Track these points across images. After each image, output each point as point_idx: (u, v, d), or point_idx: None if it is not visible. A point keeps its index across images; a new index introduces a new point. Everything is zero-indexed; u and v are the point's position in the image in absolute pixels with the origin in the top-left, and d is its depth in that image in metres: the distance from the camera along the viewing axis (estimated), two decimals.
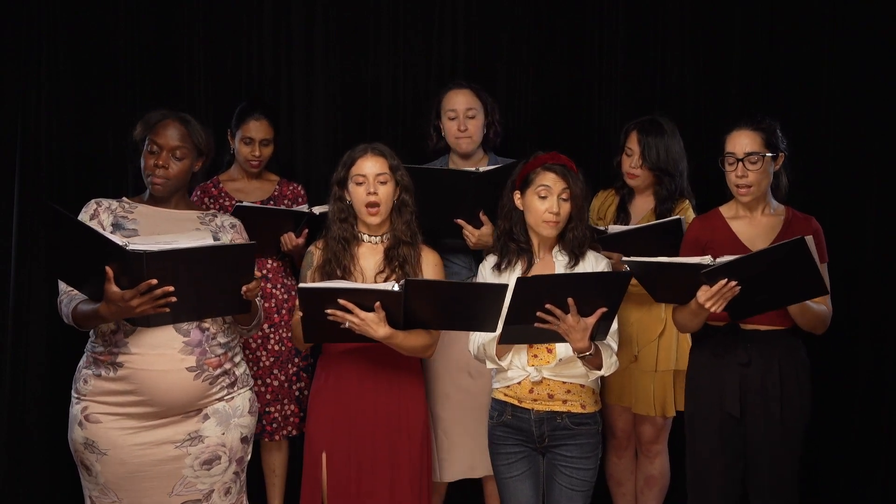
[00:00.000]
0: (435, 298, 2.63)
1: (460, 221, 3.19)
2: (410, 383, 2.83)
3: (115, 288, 2.35)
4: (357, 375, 2.78)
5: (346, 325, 2.55)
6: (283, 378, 3.48)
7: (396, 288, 2.54)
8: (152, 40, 3.92)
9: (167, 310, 2.40)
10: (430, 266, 2.86)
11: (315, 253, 2.86)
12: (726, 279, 2.56)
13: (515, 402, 2.78)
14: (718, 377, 2.83)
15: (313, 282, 2.75)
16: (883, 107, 3.79)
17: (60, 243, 2.40)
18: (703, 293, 2.60)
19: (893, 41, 3.77)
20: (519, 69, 4.01)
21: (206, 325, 2.58)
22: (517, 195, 2.81)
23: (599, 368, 2.70)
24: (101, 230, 2.46)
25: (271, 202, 3.52)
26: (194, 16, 3.95)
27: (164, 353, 2.52)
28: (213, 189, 3.52)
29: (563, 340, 2.63)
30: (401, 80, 4.00)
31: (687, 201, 3.33)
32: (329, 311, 2.53)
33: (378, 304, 2.54)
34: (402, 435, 2.79)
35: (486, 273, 2.86)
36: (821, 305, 2.76)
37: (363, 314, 2.54)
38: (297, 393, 3.50)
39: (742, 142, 2.79)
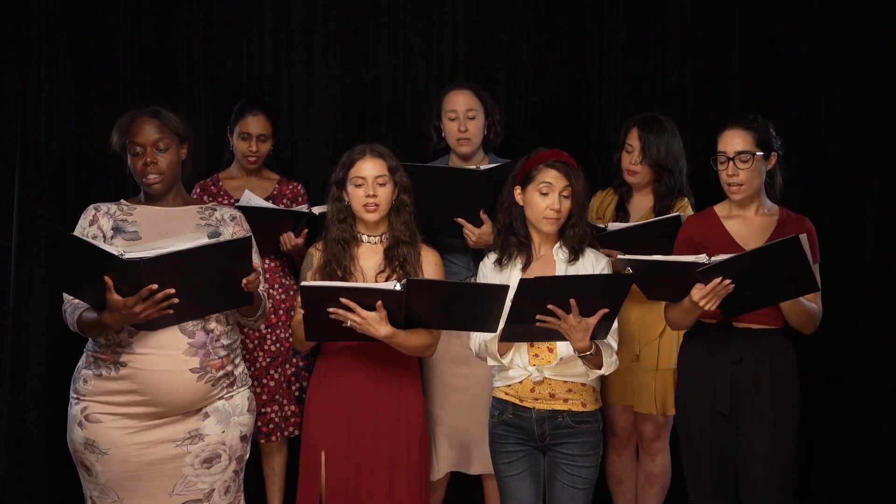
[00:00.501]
0: (436, 298, 2.63)
1: (461, 220, 3.20)
2: (409, 381, 2.84)
3: (116, 296, 2.36)
4: (355, 374, 2.79)
5: (348, 323, 2.55)
6: (280, 378, 3.47)
7: (398, 287, 2.55)
8: (152, 40, 3.93)
9: (171, 312, 2.41)
10: (430, 265, 2.86)
11: (315, 254, 2.86)
12: (721, 277, 2.57)
13: (517, 401, 2.78)
14: (710, 374, 2.84)
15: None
16: (883, 107, 3.79)
17: (59, 256, 2.42)
18: (698, 291, 2.61)
19: (893, 41, 3.77)
20: (519, 69, 4.01)
21: (210, 326, 2.59)
22: (518, 190, 2.82)
23: (600, 367, 2.71)
24: (98, 238, 2.48)
25: (270, 201, 3.52)
26: (194, 16, 3.95)
27: (169, 354, 2.53)
28: (212, 187, 3.52)
29: (563, 339, 2.63)
30: (401, 80, 4.00)
31: (686, 199, 3.33)
32: (331, 309, 2.53)
33: (380, 303, 2.54)
34: (401, 433, 2.79)
35: (488, 270, 2.86)
36: (812, 303, 2.78)
37: (365, 313, 2.55)
38: (297, 393, 3.50)
39: (733, 141, 2.81)
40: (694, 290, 2.63)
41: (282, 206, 3.48)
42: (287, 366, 3.49)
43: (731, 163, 2.80)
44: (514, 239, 2.83)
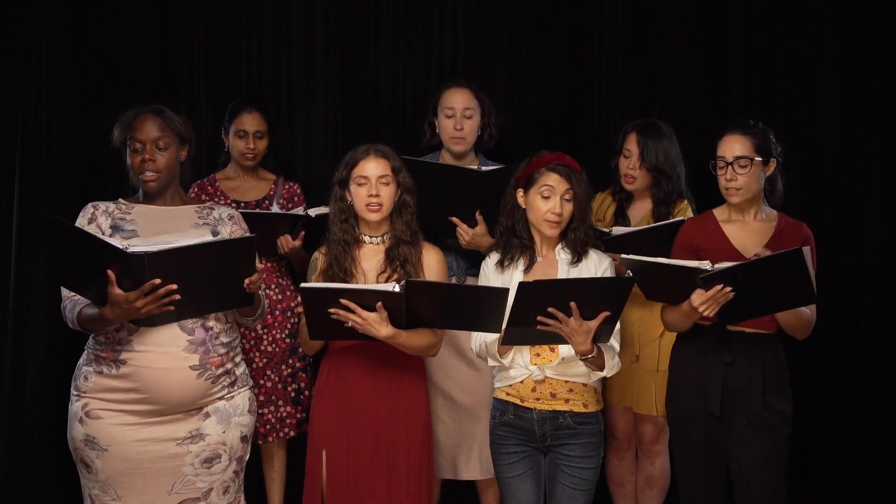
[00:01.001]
0: (436, 300, 2.63)
1: (455, 220, 3.19)
2: (412, 382, 2.83)
3: (118, 290, 2.36)
4: (357, 373, 2.79)
5: (350, 324, 2.55)
6: (276, 379, 3.47)
7: (397, 289, 2.55)
8: (152, 40, 3.92)
9: (172, 308, 2.41)
10: (432, 264, 2.86)
11: (319, 258, 2.86)
12: (722, 285, 2.58)
13: (518, 402, 2.78)
14: (702, 376, 2.85)
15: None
16: (883, 107, 3.79)
17: (60, 250, 2.41)
18: (698, 297, 2.62)
19: (893, 41, 3.77)
20: (519, 69, 4.01)
21: (210, 324, 2.59)
22: (520, 193, 2.82)
23: (602, 369, 2.71)
24: (99, 234, 2.47)
25: (267, 201, 3.52)
26: (194, 16, 3.95)
27: (168, 351, 2.53)
28: (209, 187, 3.52)
29: (565, 342, 2.63)
30: (401, 80, 4.00)
31: (686, 202, 3.34)
32: (332, 310, 2.53)
33: (380, 304, 2.55)
34: (401, 433, 2.79)
35: (489, 271, 2.86)
36: (806, 310, 2.79)
37: (365, 314, 2.55)
38: (293, 394, 3.49)
39: (732, 146, 2.82)
40: (694, 296, 2.63)
41: (278, 210, 3.47)
42: (283, 367, 3.48)
43: (729, 167, 2.81)
44: (516, 241, 2.83)
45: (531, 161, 2.82)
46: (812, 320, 2.82)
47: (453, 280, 3.29)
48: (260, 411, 3.41)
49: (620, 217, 3.40)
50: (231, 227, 2.72)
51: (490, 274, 2.85)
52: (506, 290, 2.56)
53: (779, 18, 3.93)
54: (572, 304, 2.54)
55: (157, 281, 2.35)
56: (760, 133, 2.84)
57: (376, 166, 2.79)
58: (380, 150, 2.84)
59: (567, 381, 2.75)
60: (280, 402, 3.47)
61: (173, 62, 3.95)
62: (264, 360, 3.46)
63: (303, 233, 3.31)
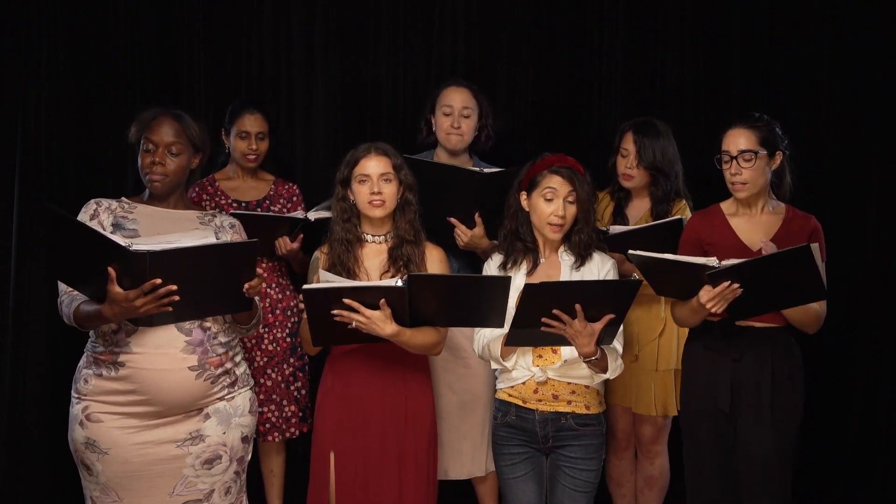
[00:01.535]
0: (439, 293, 2.62)
1: (453, 220, 3.19)
2: (417, 381, 2.83)
3: (118, 288, 2.35)
4: (363, 374, 2.78)
5: (353, 324, 2.54)
6: (277, 378, 3.47)
7: (400, 283, 2.54)
8: (152, 40, 3.92)
9: (170, 309, 2.40)
10: (435, 262, 2.86)
11: (321, 258, 2.85)
12: (729, 281, 2.57)
13: (520, 403, 2.78)
14: (711, 372, 2.85)
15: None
16: (883, 107, 3.79)
17: (61, 244, 2.40)
18: (706, 293, 2.62)
19: (893, 41, 3.77)
20: (519, 69, 4.01)
21: (207, 324, 2.59)
22: (523, 196, 2.82)
23: (605, 371, 2.71)
24: (102, 231, 2.46)
25: (267, 202, 3.52)
26: (194, 16, 3.95)
27: (167, 353, 2.53)
28: (209, 187, 3.52)
29: (569, 344, 2.63)
30: (401, 80, 4.00)
31: (684, 201, 3.34)
32: (335, 311, 2.52)
33: (383, 301, 2.54)
34: (408, 433, 2.79)
35: (492, 272, 2.86)
36: (811, 305, 2.78)
37: (369, 312, 2.54)
38: (295, 393, 3.50)
39: (737, 140, 2.82)
40: (702, 292, 2.63)
41: (274, 212, 3.47)
42: (285, 366, 3.48)
43: (734, 161, 2.81)
44: (519, 244, 2.83)
45: (534, 163, 2.82)
46: (821, 314, 2.81)
47: None
48: (260, 410, 3.41)
49: (618, 216, 3.40)
50: (232, 235, 2.72)
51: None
52: (508, 279, 2.56)
53: (779, 18, 3.93)
54: (577, 306, 2.53)
55: (158, 280, 2.34)
56: (765, 126, 2.84)
57: (377, 164, 2.79)
58: (381, 147, 2.84)
59: (569, 383, 2.75)
60: (283, 402, 3.48)
61: (173, 62, 3.94)
62: (265, 359, 3.46)
63: (301, 235, 3.31)
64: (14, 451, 3.78)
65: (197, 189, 3.49)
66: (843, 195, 3.83)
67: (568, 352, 2.71)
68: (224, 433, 2.62)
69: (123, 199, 2.70)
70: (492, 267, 2.87)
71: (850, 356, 3.85)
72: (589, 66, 4.01)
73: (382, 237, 2.85)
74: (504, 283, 2.56)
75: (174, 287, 2.36)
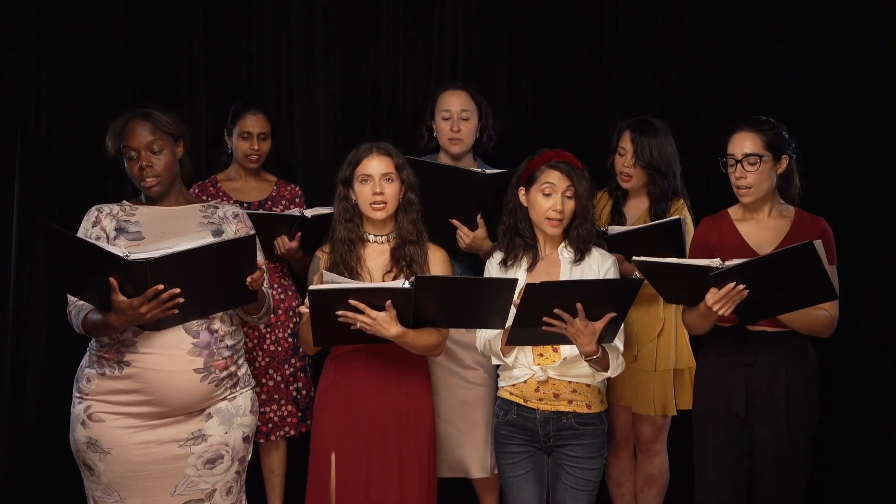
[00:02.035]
0: (445, 295, 2.62)
1: (455, 222, 3.18)
2: (417, 381, 2.83)
3: (121, 297, 2.35)
4: (363, 375, 2.78)
5: (358, 325, 2.54)
6: (279, 378, 3.47)
7: (407, 285, 2.54)
8: (152, 40, 3.92)
9: (176, 312, 2.40)
10: (437, 263, 2.86)
11: (322, 257, 2.85)
12: (734, 283, 2.56)
13: (521, 402, 2.78)
14: (724, 378, 2.84)
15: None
16: (883, 107, 3.79)
17: (59, 257, 2.41)
18: (712, 296, 2.61)
19: (893, 41, 3.77)
20: (519, 69, 4.01)
21: (214, 326, 2.59)
22: (522, 192, 2.82)
23: (606, 370, 2.71)
24: (101, 239, 2.47)
25: (269, 202, 3.52)
26: (194, 16, 3.95)
27: (173, 354, 2.53)
28: (211, 188, 3.52)
29: (570, 343, 2.63)
30: (401, 80, 4.00)
31: (682, 201, 3.33)
32: (340, 312, 2.52)
33: (389, 302, 2.54)
34: (410, 433, 2.79)
35: (493, 270, 2.87)
36: (819, 310, 2.75)
37: (374, 313, 2.54)
38: (294, 393, 3.50)
39: (742, 143, 2.80)
40: (708, 295, 2.62)
41: (274, 211, 3.47)
42: (286, 366, 3.49)
43: (739, 165, 2.79)
44: (519, 240, 2.83)
45: (532, 159, 2.82)
46: (831, 319, 2.78)
47: None
48: (262, 410, 3.42)
49: (617, 215, 3.40)
50: (236, 225, 2.72)
51: (494, 273, 2.86)
52: (515, 281, 2.56)
53: (779, 18, 3.93)
54: (578, 305, 2.53)
55: (160, 287, 2.35)
56: (771, 130, 2.82)
57: (379, 164, 2.79)
58: (382, 147, 2.83)
59: (570, 382, 2.76)
60: (283, 402, 3.48)
61: (173, 62, 3.94)
62: (267, 360, 3.46)
63: (299, 234, 3.31)
64: (14, 451, 3.78)
65: (198, 190, 3.49)
66: (843, 195, 3.83)
67: (568, 350, 2.71)
68: (226, 433, 2.62)
69: (125, 202, 2.70)
70: (493, 264, 2.87)
71: (852, 355, 3.85)
72: (589, 66, 4.00)
73: (385, 237, 2.85)
74: (510, 285, 2.56)
75: (177, 291, 2.36)
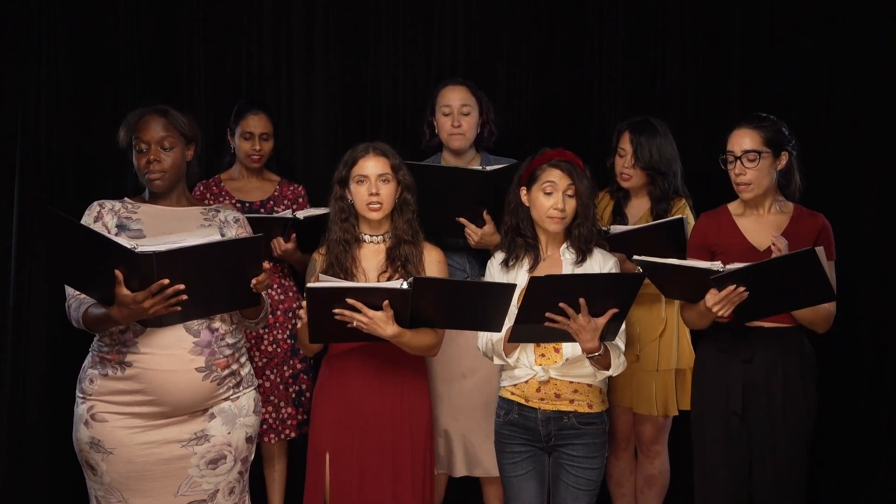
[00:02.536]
0: (442, 297, 2.62)
1: (463, 220, 3.19)
2: (414, 382, 2.84)
3: (125, 291, 2.34)
4: (361, 375, 2.78)
5: (354, 324, 2.54)
6: (276, 380, 3.47)
7: (405, 286, 2.54)
8: (152, 40, 3.93)
9: (179, 308, 2.40)
10: (433, 263, 2.86)
11: (318, 259, 2.86)
12: (734, 285, 2.57)
13: (522, 401, 2.78)
14: (722, 374, 2.84)
15: None
16: (883, 107, 3.79)
17: (63, 247, 2.38)
18: (712, 297, 2.62)
19: (893, 41, 3.77)
20: (519, 69, 4.01)
21: (215, 325, 2.58)
22: (523, 191, 2.82)
23: (608, 368, 2.71)
24: (106, 233, 2.45)
25: (271, 202, 3.52)
26: (194, 16, 3.95)
27: (174, 354, 2.52)
28: (214, 188, 3.53)
29: (572, 340, 2.63)
30: (401, 80, 4.00)
31: (683, 200, 3.34)
32: (337, 311, 2.52)
33: (386, 302, 2.54)
34: (405, 432, 2.79)
35: (495, 270, 2.86)
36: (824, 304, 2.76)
37: (371, 313, 2.54)
38: (293, 395, 3.49)
39: (741, 140, 2.81)
40: (708, 296, 2.63)
41: (277, 210, 3.47)
42: (285, 367, 3.48)
43: (738, 162, 2.81)
44: (520, 240, 2.83)
45: (533, 158, 2.83)
46: (831, 312, 2.80)
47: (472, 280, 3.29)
48: None
49: (618, 215, 3.41)
50: (236, 229, 2.72)
51: (495, 273, 2.86)
52: (513, 286, 2.57)
53: (779, 18, 3.93)
54: (581, 300, 2.53)
55: (166, 281, 2.33)
56: (771, 126, 2.83)
57: (375, 164, 2.79)
58: (379, 148, 2.83)
59: (571, 382, 2.76)
60: (281, 404, 3.47)
61: (173, 62, 3.95)
62: (264, 360, 3.46)
63: (294, 234, 3.31)
64: (14, 451, 3.79)
65: (201, 188, 3.49)
66: (844, 194, 3.83)
67: (570, 350, 2.71)
68: (229, 433, 2.62)
69: (126, 199, 2.69)
70: (494, 265, 2.88)
71: (852, 354, 3.85)
72: (589, 66, 4.00)
73: (381, 237, 2.85)
74: (508, 290, 2.56)
75: (182, 287, 2.35)
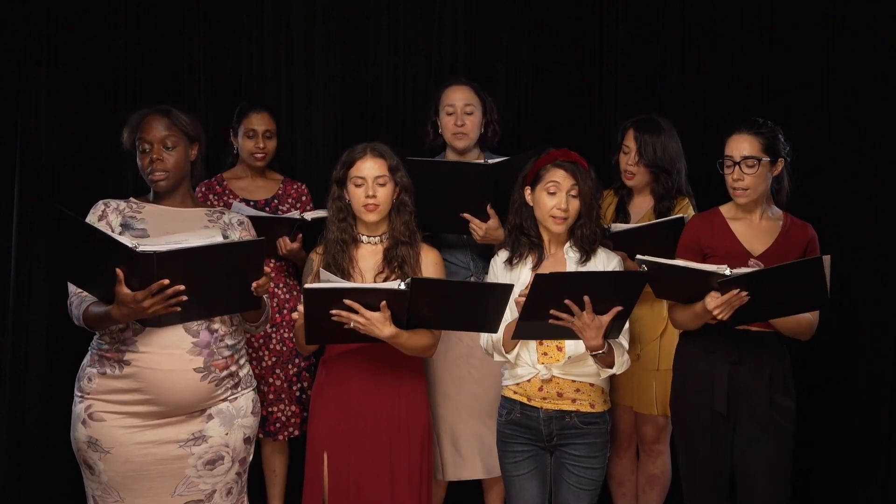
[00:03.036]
0: (440, 297, 2.62)
1: (467, 215, 3.18)
2: (412, 383, 2.84)
3: (126, 290, 2.34)
4: (359, 375, 2.79)
5: (352, 325, 2.54)
6: (283, 378, 3.48)
7: (402, 286, 2.54)
8: (152, 40, 3.93)
9: (178, 309, 2.40)
10: (430, 264, 2.86)
11: (315, 259, 2.86)
12: (738, 289, 2.58)
13: (525, 401, 2.79)
14: (708, 374, 2.85)
15: None
16: (883, 107, 3.79)
17: (64, 245, 2.38)
18: (713, 300, 2.63)
19: (893, 41, 3.77)
20: (519, 69, 4.01)
21: (214, 326, 2.59)
22: (527, 191, 2.82)
23: (611, 367, 2.71)
24: (109, 231, 2.46)
25: (275, 201, 3.53)
26: (194, 16, 3.95)
27: (173, 353, 2.52)
28: (217, 187, 3.53)
29: (576, 337, 2.64)
30: (401, 80, 4.00)
31: (687, 199, 3.34)
32: (334, 311, 2.52)
33: (384, 303, 2.54)
34: (402, 432, 2.79)
35: (498, 268, 2.87)
36: (807, 315, 2.79)
37: (369, 314, 2.54)
38: (297, 393, 3.50)
39: (740, 146, 2.82)
40: (709, 299, 2.64)
41: (282, 212, 3.48)
42: (290, 366, 3.49)
43: (737, 167, 2.81)
44: (524, 239, 2.83)
45: (538, 158, 2.83)
46: (814, 323, 2.82)
47: (472, 279, 3.29)
48: (270, 409, 3.43)
49: (620, 212, 3.41)
50: (240, 232, 2.72)
51: (499, 272, 2.86)
52: (510, 287, 2.57)
53: (779, 18, 3.93)
54: (585, 297, 2.54)
55: (166, 281, 2.33)
56: (769, 132, 2.84)
57: (373, 166, 2.79)
58: (377, 149, 2.83)
59: (574, 381, 2.76)
60: (287, 401, 3.48)
61: (173, 62, 3.95)
62: (273, 359, 3.47)
63: (300, 235, 3.31)
64: (14, 451, 3.79)
65: (204, 188, 3.49)
66: (844, 195, 3.83)
67: (572, 349, 2.71)
68: (226, 434, 2.62)
69: (132, 199, 2.69)
70: (498, 263, 2.88)
71: (852, 355, 3.85)
72: (589, 66, 4.01)
73: (378, 238, 2.85)
74: (505, 291, 2.56)
75: (182, 287, 2.35)
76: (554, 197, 2.75)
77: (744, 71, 3.95)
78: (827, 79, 3.89)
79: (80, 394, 2.59)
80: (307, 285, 2.54)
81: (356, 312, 2.53)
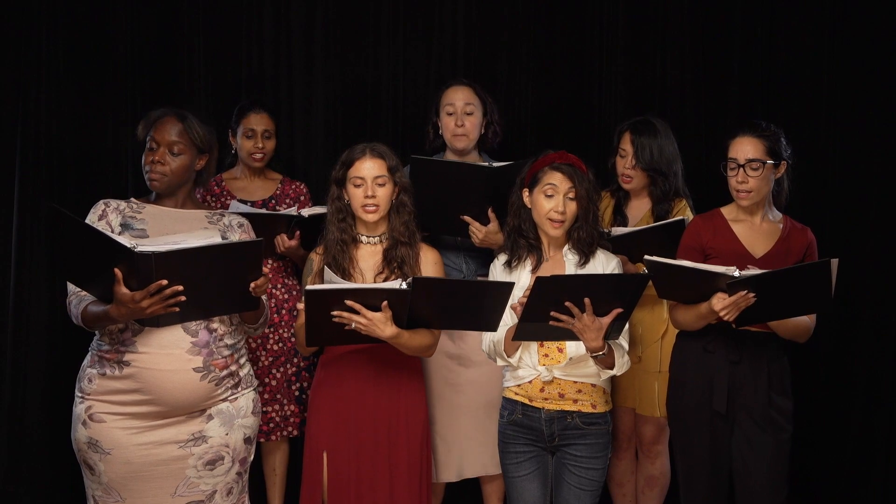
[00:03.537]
0: (441, 297, 2.62)
1: (467, 218, 3.18)
2: (411, 383, 2.84)
3: (124, 289, 2.35)
4: (358, 375, 2.79)
5: (353, 325, 2.54)
6: (281, 378, 3.48)
7: (404, 286, 2.54)
8: (152, 40, 3.93)
9: (177, 309, 2.40)
10: (429, 264, 2.86)
11: (315, 259, 2.86)
12: (746, 290, 2.58)
13: (526, 401, 2.79)
14: (707, 373, 2.86)
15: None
16: (883, 107, 3.79)
17: (66, 245, 2.40)
18: (720, 301, 2.63)
19: (893, 41, 3.77)
20: (519, 69, 4.01)
21: (213, 325, 2.59)
22: (525, 193, 2.82)
23: (612, 368, 2.72)
24: (108, 231, 2.46)
25: (273, 201, 3.53)
26: (194, 15, 3.95)
27: (172, 353, 2.52)
28: (215, 187, 3.53)
29: (576, 339, 2.64)
30: (401, 80, 4.00)
31: (684, 201, 3.34)
32: (335, 312, 2.52)
33: (385, 303, 2.54)
34: (402, 435, 2.80)
35: (497, 271, 2.87)
36: (804, 318, 2.80)
37: (370, 314, 2.54)
38: (297, 393, 3.50)
39: (744, 148, 2.82)
40: (715, 300, 2.64)
41: (279, 209, 3.48)
42: (289, 365, 3.49)
43: (741, 170, 2.82)
44: (523, 241, 2.83)
45: (535, 161, 2.83)
46: (811, 326, 2.83)
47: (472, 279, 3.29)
48: (265, 409, 3.42)
49: (618, 215, 3.40)
50: (240, 234, 2.72)
51: (498, 274, 2.86)
52: (511, 284, 2.57)
53: (779, 18, 3.93)
54: (586, 299, 2.54)
55: (164, 282, 2.34)
56: (773, 135, 2.85)
57: (372, 166, 2.79)
58: (376, 149, 2.83)
59: (575, 382, 2.76)
60: (284, 401, 3.48)
61: (173, 62, 3.95)
62: (270, 359, 3.47)
63: (298, 232, 3.31)
64: (14, 451, 3.79)
65: (201, 190, 3.48)
66: (844, 195, 3.83)
67: (573, 350, 2.71)
68: (227, 434, 2.62)
69: (132, 199, 2.70)
70: (497, 265, 2.88)
71: (851, 355, 3.85)
72: (589, 66, 4.01)
73: (377, 238, 2.85)
74: (506, 289, 2.56)
75: (180, 288, 2.36)
76: (551, 199, 2.75)
77: (744, 71, 3.96)
78: (827, 79, 3.89)
79: (80, 395, 2.59)
80: (308, 287, 2.54)
81: (357, 313, 2.53)
